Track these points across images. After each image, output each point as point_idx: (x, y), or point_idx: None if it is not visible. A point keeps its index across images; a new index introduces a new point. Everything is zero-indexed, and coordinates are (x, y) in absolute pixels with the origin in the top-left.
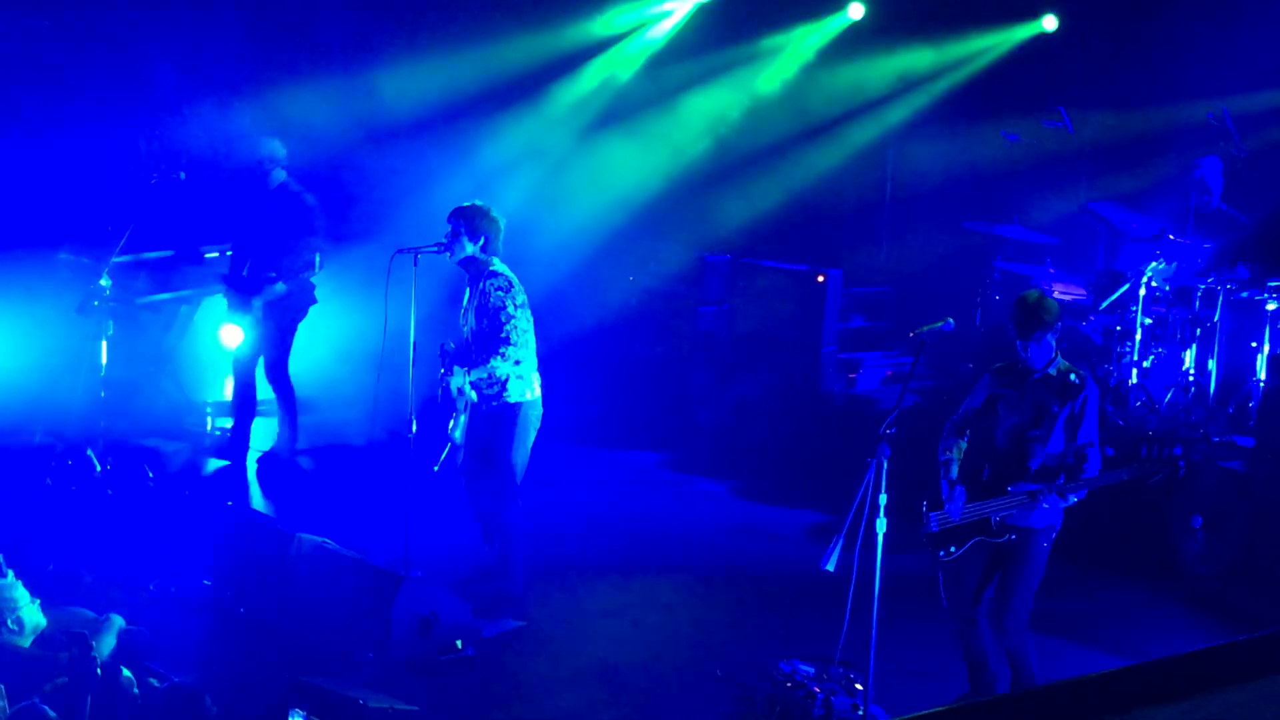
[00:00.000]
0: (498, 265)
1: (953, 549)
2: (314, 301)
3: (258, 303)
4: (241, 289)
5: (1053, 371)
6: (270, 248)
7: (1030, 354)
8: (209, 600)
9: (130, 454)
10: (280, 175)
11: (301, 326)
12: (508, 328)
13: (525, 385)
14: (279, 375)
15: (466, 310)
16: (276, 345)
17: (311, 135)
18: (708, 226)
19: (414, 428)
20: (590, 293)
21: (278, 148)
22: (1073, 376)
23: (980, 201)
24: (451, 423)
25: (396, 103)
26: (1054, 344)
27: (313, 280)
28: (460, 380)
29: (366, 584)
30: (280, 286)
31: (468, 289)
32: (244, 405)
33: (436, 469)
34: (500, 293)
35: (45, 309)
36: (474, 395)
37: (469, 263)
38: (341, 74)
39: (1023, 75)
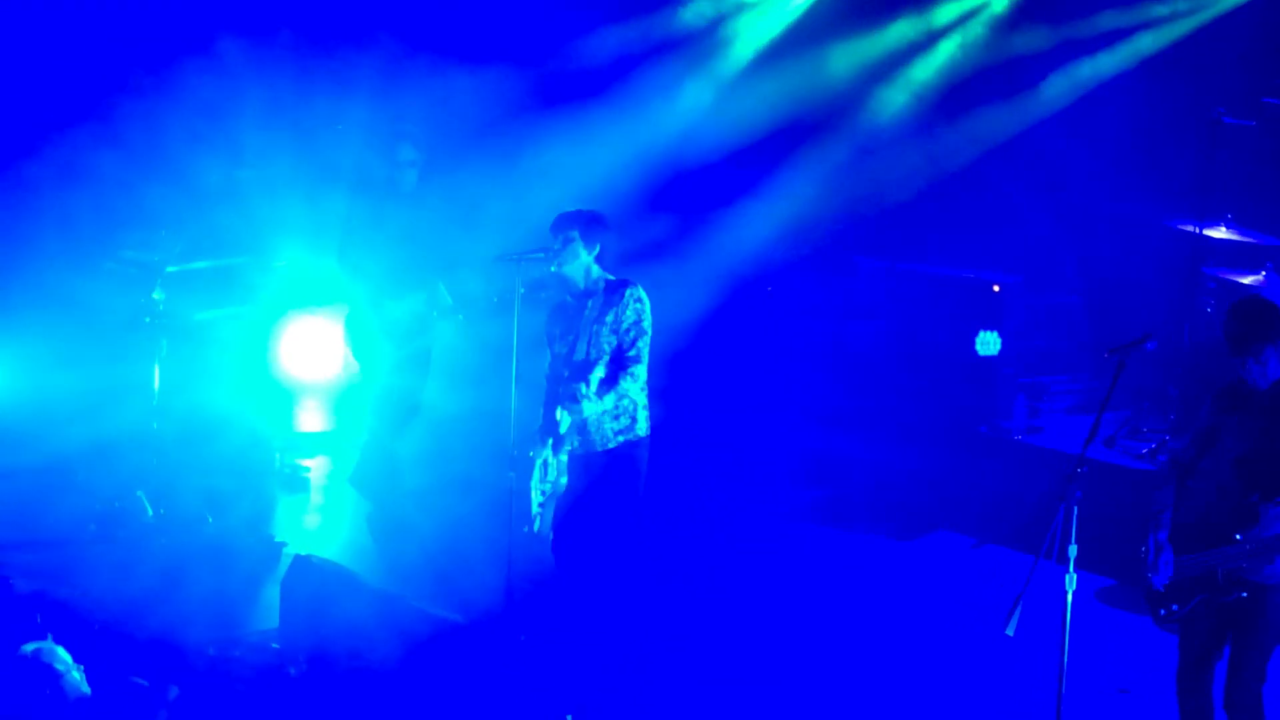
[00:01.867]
0: (630, 278)
1: (1175, 608)
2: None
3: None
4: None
5: (1274, 390)
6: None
7: (1251, 373)
8: (276, 668)
9: (187, 494)
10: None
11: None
12: (640, 344)
13: (643, 419)
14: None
15: (581, 335)
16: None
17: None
18: (861, 221)
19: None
20: (721, 306)
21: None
22: None
23: (1183, 194)
24: (546, 472)
25: None
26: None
27: None
28: (588, 409)
29: (462, 657)
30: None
31: (589, 307)
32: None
33: (530, 529)
34: (639, 305)
35: (90, 325)
36: (603, 433)
37: (587, 277)
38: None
39: (1241, 40)
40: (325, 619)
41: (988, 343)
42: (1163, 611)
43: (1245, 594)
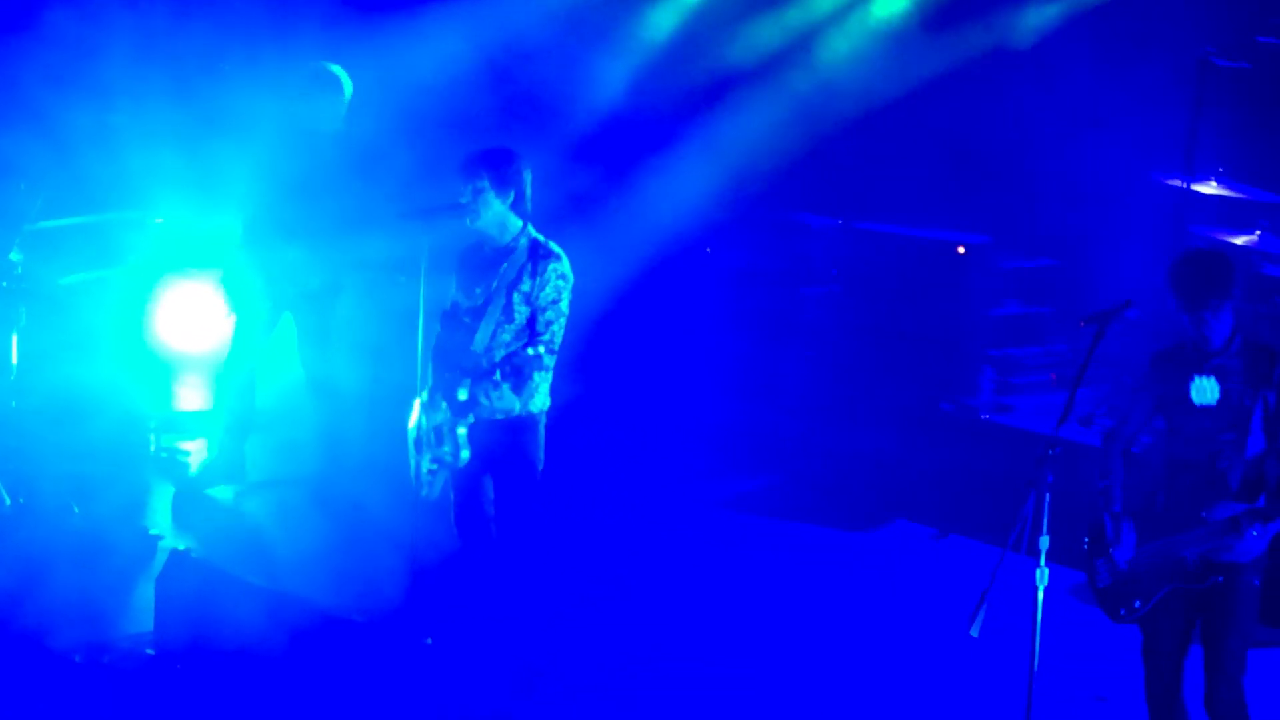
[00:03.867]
0: (553, 244)
1: (1137, 604)
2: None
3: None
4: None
5: (1235, 351)
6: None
7: (1205, 330)
8: (153, 674)
9: (51, 481)
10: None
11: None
12: (555, 328)
13: (546, 391)
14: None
15: (494, 297)
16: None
17: None
18: (813, 180)
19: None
20: (650, 269)
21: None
22: (1264, 350)
23: (1170, 146)
24: (440, 439)
25: None
26: (1233, 316)
27: None
28: (493, 398)
29: (361, 654)
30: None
31: (505, 266)
32: (237, 421)
33: (422, 496)
34: (561, 283)
35: None
36: (491, 403)
37: (500, 231)
38: None
39: None
40: (206, 620)
41: (1204, 390)
42: (1123, 610)
43: (1221, 578)
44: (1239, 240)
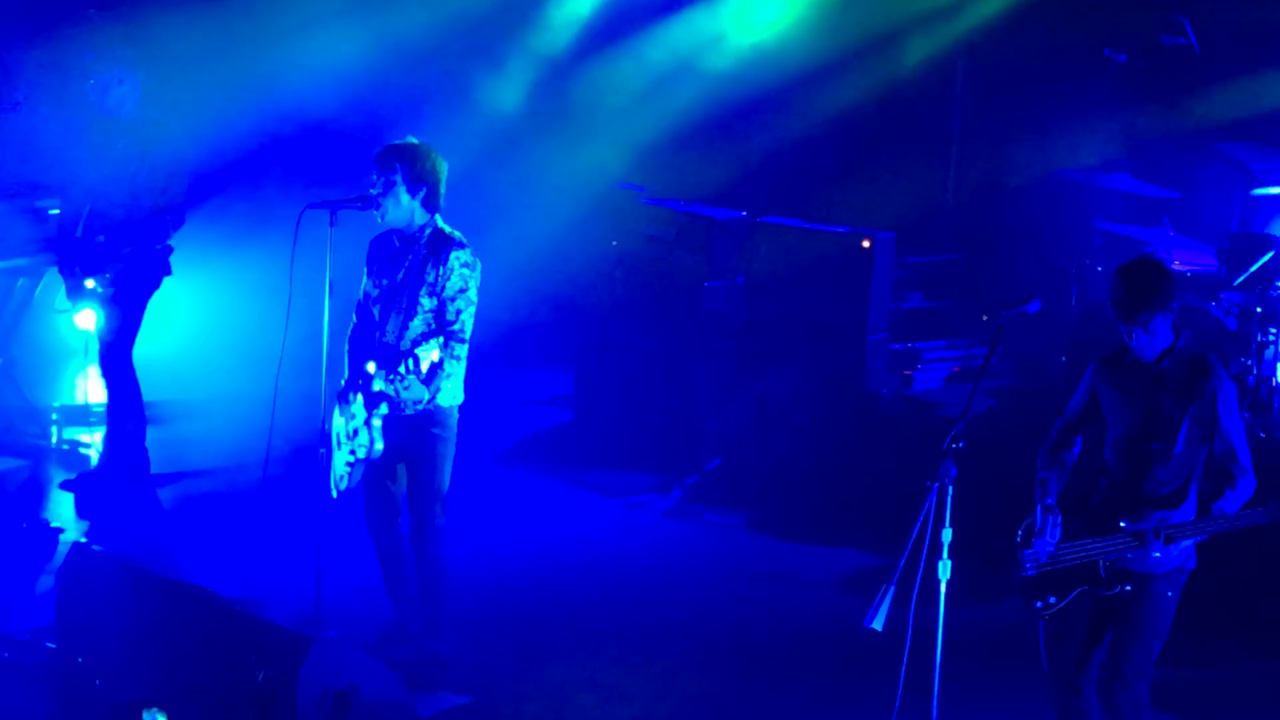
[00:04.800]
0: (458, 233)
1: (1052, 600)
2: (168, 273)
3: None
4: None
5: (1167, 363)
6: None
7: (1138, 343)
8: (53, 667)
9: None
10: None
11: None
12: (464, 317)
13: (459, 385)
14: (121, 371)
15: (401, 288)
16: (120, 332)
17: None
18: (718, 174)
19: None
20: (556, 263)
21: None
22: (1197, 363)
23: (1076, 142)
24: (356, 433)
25: None
26: (1172, 329)
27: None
28: (400, 390)
29: (264, 647)
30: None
31: (410, 258)
32: (120, 410)
33: (336, 494)
34: (466, 271)
35: None
36: (399, 394)
37: (408, 224)
38: None
39: None
40: (107, 613)
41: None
42: (1039, 604)
43: (1129, 586)
44: (1141, 236)
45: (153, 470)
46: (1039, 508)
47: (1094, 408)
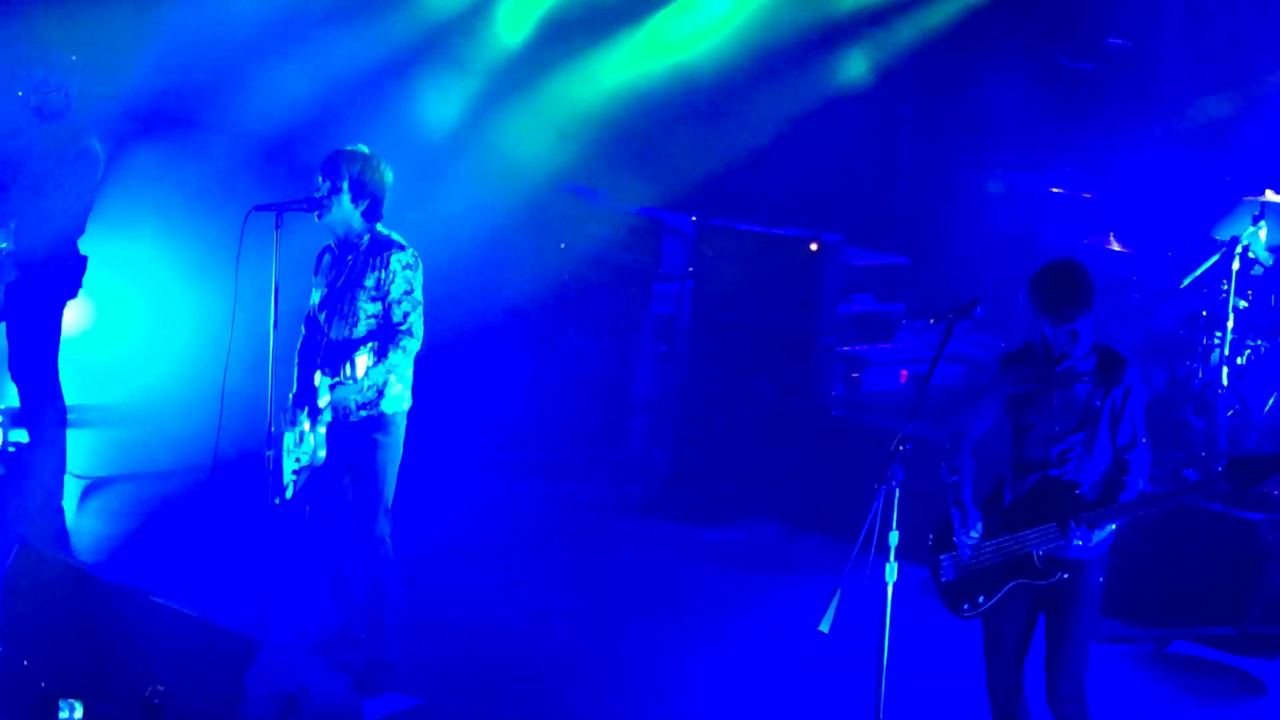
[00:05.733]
0: (396, 235)
1: (980, 600)
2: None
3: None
4: None
5: (1095, 358)
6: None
7: (1062, 341)
8: None
9: None
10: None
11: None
12: (412, 318)
13: (406, 390)
14: (42, 376)
15: (341, 294)
16: (41, 335)
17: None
18: (667, 176)
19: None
20: (503, 265)
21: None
22: (1116, 356)
23: (1027, 144)
24: (301, 440)
25: None
26: (1093, 324)
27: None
28: (350, 392)
29: (209, 651)
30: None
31: (349, 262)
32: (37, 410)
33: (280, 500)
34: (409, 273)
35: None
36: (346, 398)
37: (349, 229)
38: None
39: None
40: (55, 617)
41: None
42: (966, 605)
43: (1065, 574)
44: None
45: (101, 473)
46: (953, 510)
47: (1001, 407)
